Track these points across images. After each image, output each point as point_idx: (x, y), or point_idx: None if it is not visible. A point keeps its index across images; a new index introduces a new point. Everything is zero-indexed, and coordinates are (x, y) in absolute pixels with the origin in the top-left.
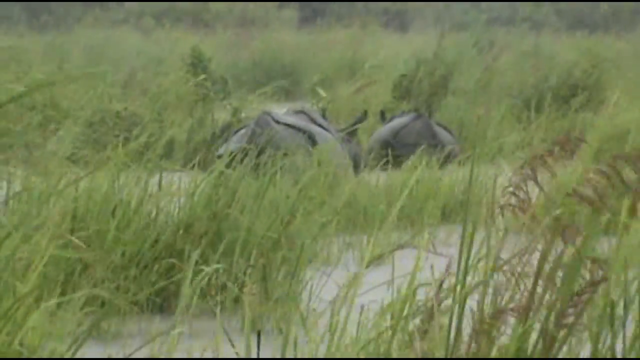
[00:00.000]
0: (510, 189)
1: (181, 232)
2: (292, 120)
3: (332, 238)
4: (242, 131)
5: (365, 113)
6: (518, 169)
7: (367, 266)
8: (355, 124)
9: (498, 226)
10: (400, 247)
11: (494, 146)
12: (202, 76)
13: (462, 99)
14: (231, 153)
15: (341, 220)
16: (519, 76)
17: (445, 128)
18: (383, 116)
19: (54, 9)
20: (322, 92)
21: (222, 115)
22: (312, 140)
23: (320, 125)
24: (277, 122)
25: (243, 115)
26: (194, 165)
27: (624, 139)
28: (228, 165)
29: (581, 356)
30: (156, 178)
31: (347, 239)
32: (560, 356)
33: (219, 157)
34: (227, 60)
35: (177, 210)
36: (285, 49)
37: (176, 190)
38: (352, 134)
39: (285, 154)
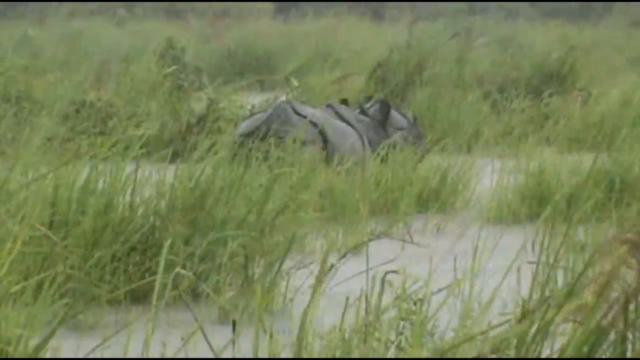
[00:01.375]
0: None
1: (158, 223)
2: (311, 112)
3: (308, 229)
4: (258, 115)
5: (346, 101)
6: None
7: (343, 257)
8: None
9: None
10: (376, 237)
11: (468, 135)
12: (174, 67)
13: (435, 87)
14: (240, 135)
15: (316, 210)
16: (494, 64)
17: (404, 115)
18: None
19: None
20: (295, 82)
21: (197, 107)
22: (323, 136)
23: (347, 122)
24: (296, 112)
25: (220, 106)
26: (170, 156)
27: (599, 126)
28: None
29: None
30: (132, 169)
31: (323, 229)
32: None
33: (239, 137)
34: (202, 51)
35: (154, 202)
36: (260, 39)
37: (155, 181)
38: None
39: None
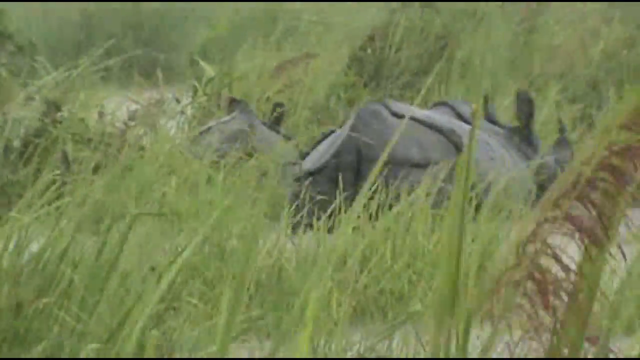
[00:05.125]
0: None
1: None
2: (424, 113)
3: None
4: (333, 135)
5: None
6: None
7: None
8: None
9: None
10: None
11: None
12: None
13: (476, 77)
14: (299, 178)
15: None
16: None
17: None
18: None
19: None
20: (208, 68)
21: (24, 113)
22: (456, 145)
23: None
24: (394, 114)
25: (60, 114)
26: None
27: None
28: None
29: None
30: None
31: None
32: None
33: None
34: (34, 12)
35: None
36: None
37: None
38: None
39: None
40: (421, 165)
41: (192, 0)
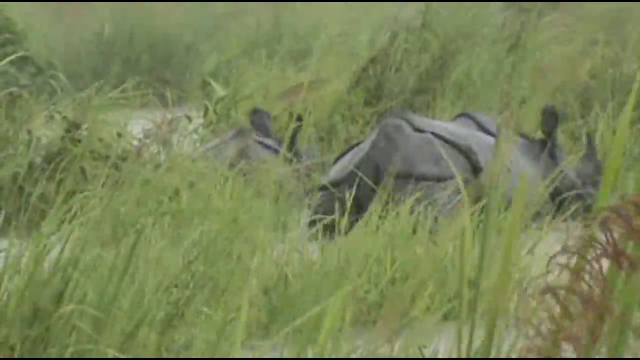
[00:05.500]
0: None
1: None
2: (443, 127)
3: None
4: (359, 147)
5: (259, 112)
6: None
7: None
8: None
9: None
10: None
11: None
12: (11, 57)
13: (473, 97)
14: (333, 184)
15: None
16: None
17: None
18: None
19: None
20: (218, 88)
21: (45, 131)
22: (471, 161)
23: (494, 135)
24: (417, 129)
25: (80, 132)
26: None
27: None
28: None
29: None
30: None
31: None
32: None
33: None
34: (54, 33)
35: None
36: (157, 15)
37: None
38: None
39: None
40: (436, 180)
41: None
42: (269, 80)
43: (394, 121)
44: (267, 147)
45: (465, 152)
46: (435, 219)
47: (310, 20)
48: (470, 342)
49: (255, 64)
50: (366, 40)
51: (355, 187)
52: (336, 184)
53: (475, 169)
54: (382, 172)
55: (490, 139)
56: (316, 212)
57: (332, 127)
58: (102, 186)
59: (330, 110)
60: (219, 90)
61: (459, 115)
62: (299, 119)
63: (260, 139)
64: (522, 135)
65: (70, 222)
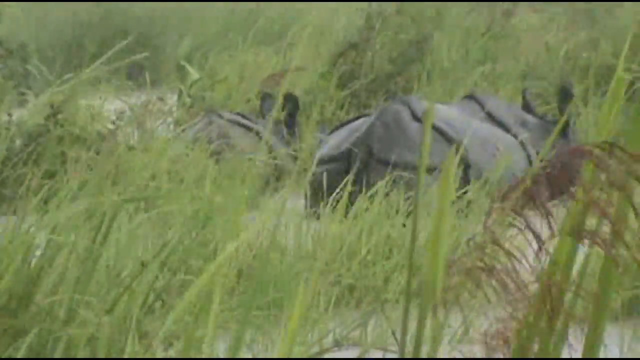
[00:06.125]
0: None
1: None
2: (443, 115)
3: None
4: (354, 124)
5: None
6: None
7: None
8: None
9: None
10: (338, 344)
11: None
12: None
13: (447, 83)
14: (320, 162)
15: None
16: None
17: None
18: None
19: None
20: (193, 70)
21: (23, 116)
22: (463, 159)
23: (502, 124)
24: (417, 118)
25: (60, 116)
26: None
27: None
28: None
29: None
30: None
31: (251, 332)
32: None
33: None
34: (29, 15)
35: None
36: None
37: None
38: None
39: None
40: (426, 172)
41: (178, 0)
42: (244, 63)
43: (394, 107)
44: (247, 128)
45: (457, 147)
46: (411, 203)
47: (287, 7)
48: (405, 329)
49: (230, 48)
50: (342, 25)
51: (344, 168)
52: (330, 160)
53: (466, 165)
54: (374, 159)
55: (487, 130)
56: (312, 188)
57: (304, 109)
58: (78, 169)
59: (305, 94)
60: (194, 73)
61: (465, 97)
62: (294, 100)
63: (239, 119)
64: (535, 115)
65: (45, 203)
